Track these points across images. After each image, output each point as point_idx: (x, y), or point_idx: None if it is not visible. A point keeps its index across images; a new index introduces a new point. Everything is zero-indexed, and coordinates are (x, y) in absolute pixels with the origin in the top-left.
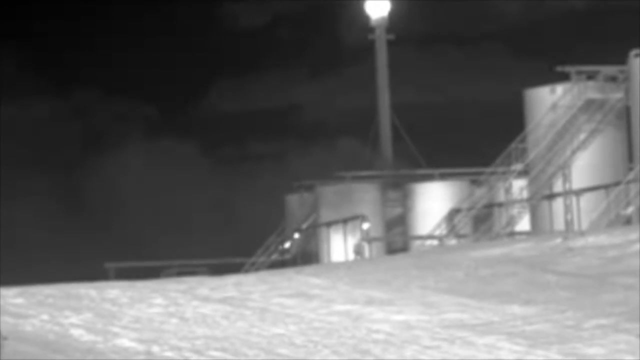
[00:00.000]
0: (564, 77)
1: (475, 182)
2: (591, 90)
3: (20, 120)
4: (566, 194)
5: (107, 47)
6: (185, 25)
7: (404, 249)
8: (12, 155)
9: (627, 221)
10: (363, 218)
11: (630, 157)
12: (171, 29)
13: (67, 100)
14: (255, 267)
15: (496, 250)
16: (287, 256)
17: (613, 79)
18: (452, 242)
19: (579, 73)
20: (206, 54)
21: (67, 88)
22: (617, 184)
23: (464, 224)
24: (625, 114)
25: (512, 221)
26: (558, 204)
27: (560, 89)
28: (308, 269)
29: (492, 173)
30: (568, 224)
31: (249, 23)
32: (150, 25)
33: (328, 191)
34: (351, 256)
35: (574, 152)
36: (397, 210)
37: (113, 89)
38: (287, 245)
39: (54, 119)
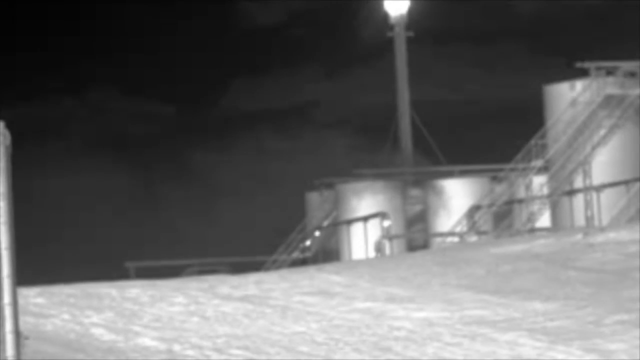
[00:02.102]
0: (583, 73)
1: (495, 179)
2: (610, 86)
3: (39, 119)
4: (586, 190)
5: (122, 47)
6: (201, 24)
7: (425, 246)
8: (28, 153)
9: None
10: (383, 215)
11: None
12: (187, 28)
13: (83, 100)
14: (276, 265)
15: (517, 247)
16: (308, 254)
17: (632, 74)
18: (473, 238)
19: (598, 69)
20: (223, 53)
21: (83, 88)
22: (637, 179)
23: (485, 220)
24: None
25: (532, 217)
26: (578, 200)
27: (579, 85)
28: (329, 266)
29: (512, 169)
30: (588, 220)
31: (268, 21)
32: (166, 24)
33: (348, 189)
34: (372, 253)
35: (593, 148)
36: (417, 208)
37: (129, 89)
38: (307, 243)
39: (71, 119)
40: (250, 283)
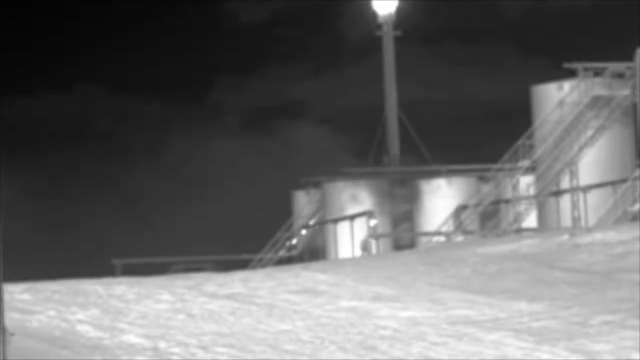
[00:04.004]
0: (571, 74)
1: (482, 179)
2: (598, 87)
3: (26, 117)
4: (573, 190)
5: (108, 45)
6: (186, 23)
7: (411, 245)
8: (15, 151)
9: (634, 218)
10: (370, 214)
11: (638, 154)
12: (172, 26)
13: (69, 98)
14: (263, 264)
15: (503, 247)
16: (294, 252)
17: (620, 75)
18: (459, 238)
19: (586, 69)
20: (209, 52)
21: (70, 86)
22: (624, 180)
23: (471, 220)
24: (633, 111)
25: (519, 218)
26: (565, 200)
27: (567, 85)
28: (315, 265)
29: (499, 170)
30: (575, 220)
31: (254, 19)
32: (150, 23)
33: (335, 187)
34: (358, 252)
35: (581, 149)
36: (404, 207)
37: (116, 88)
38: (294, 241)
39: (57, 116)
40: (236, 281)
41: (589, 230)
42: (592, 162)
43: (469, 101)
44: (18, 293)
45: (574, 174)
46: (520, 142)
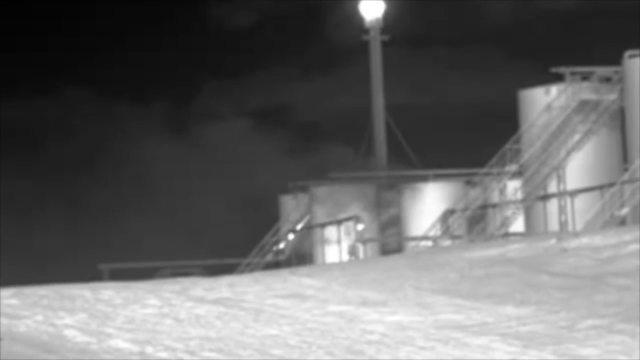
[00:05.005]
0: (558, 78)
1: (469, 183)
2: (585, 91)
3: (17, 120)
4: (560, 195)
5: (97, 48)
6: (173, 26)
7: (399, 249)
8: (6, 155)
9: (622, 222)
10: (357, 219)
11: (625, 158)
12: (159, 29)
13: (58, 100)
14: (250, 268)
15: (490, 251)
16: (282, 257)
17: (607, 79)
18: (447, 242)
19: (573, 74)
20: (196, 55)
21: (58, 88)
22: (611, 185)
23: (458, 224)
24: (620, 115)
25: (506, 222)
26: (552, 205)
27: (554, 89)
28: (302, 269)
29: (487, 174)
30: (562, 225)
31: (242, 23)
32: (138, 26)
33: (322, 192)
34: (345, 257)
35: (568, 153)
36: (391, 211)
37: (103, 90)
38: (281, 246)
39: (46, 119)
40: (223, 286)
41: (576, 234)
42: (579, 167)
43: (456, 105)
44: (5, 298)
45: (561, 178)
46: (507, 146)
